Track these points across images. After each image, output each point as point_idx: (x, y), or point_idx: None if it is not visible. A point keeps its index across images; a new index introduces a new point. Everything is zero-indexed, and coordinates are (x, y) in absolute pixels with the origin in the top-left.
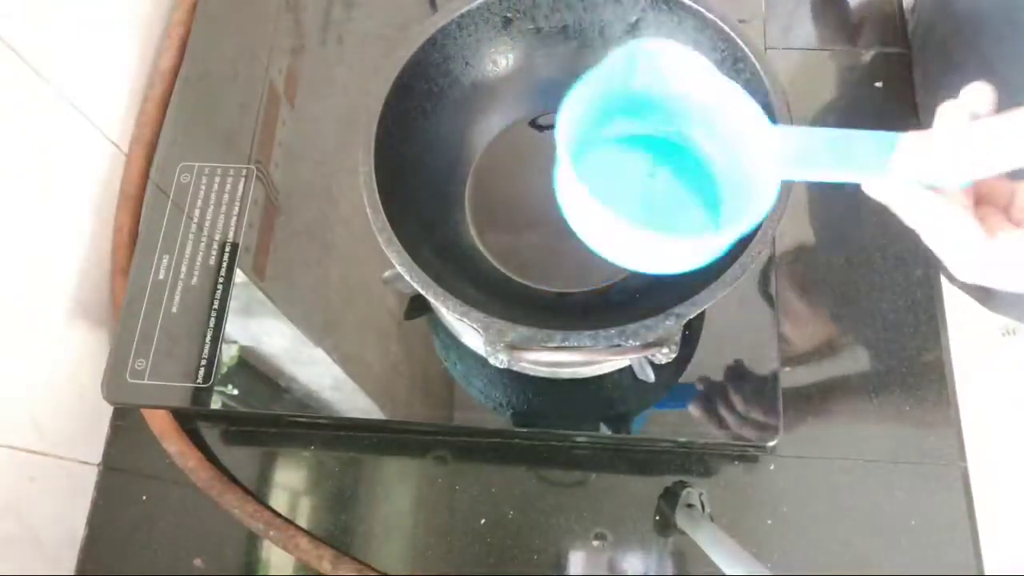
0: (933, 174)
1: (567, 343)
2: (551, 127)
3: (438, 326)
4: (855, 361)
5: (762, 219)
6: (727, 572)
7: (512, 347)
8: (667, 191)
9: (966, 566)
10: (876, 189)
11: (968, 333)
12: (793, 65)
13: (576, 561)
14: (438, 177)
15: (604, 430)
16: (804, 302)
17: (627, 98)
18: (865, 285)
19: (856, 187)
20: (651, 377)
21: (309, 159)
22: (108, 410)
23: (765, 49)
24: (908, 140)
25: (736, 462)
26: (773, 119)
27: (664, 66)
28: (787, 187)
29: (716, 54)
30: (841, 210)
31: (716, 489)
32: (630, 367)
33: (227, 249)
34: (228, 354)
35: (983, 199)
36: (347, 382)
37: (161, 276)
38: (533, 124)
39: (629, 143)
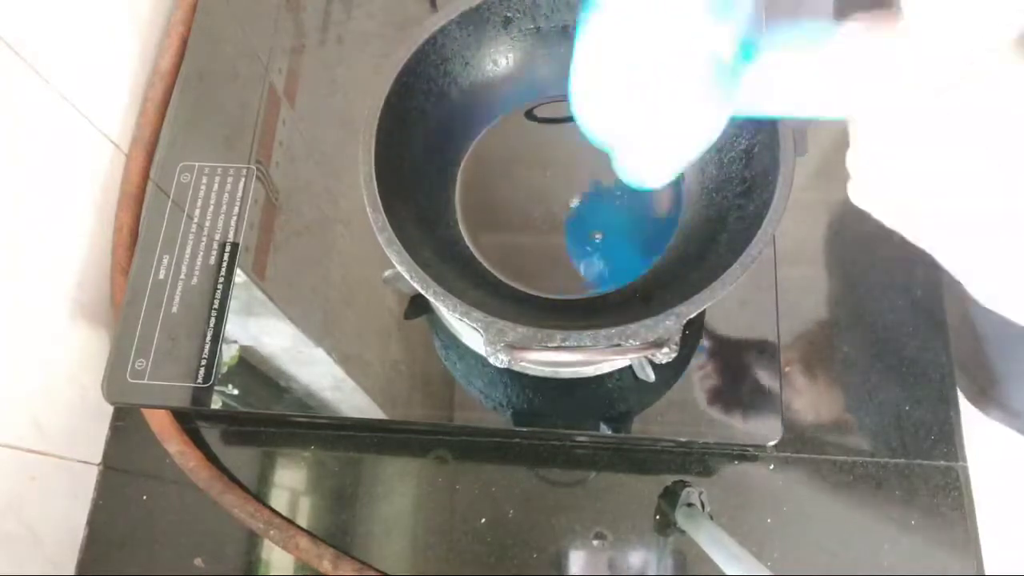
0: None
1: (567, 343)
2: (547, 121)
3: (438, 326)
4: (855, 361)
5: None
6: (727, 571)
7: (512, 347)
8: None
9: (966, 566)
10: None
11: None
12: None
13: (576, 560)
14: (438, 177)
15: (604, 430)
16: (804, 306)
17: None
18: (865, 285)
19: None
20: (651, 377)
21: (309, 159)
22: (108, 410)
23: None
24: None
25: (736, 462)
26: (773, 119)
27: None
28: (789, 185)
29: None
30: (841, 210)
31: (716, 488)
32: (630, 367)
33: (227, 249)
34: (228, 354)
35: None
36: (347, 382)
37: (161, 276)
38: (529, 115)
39: None
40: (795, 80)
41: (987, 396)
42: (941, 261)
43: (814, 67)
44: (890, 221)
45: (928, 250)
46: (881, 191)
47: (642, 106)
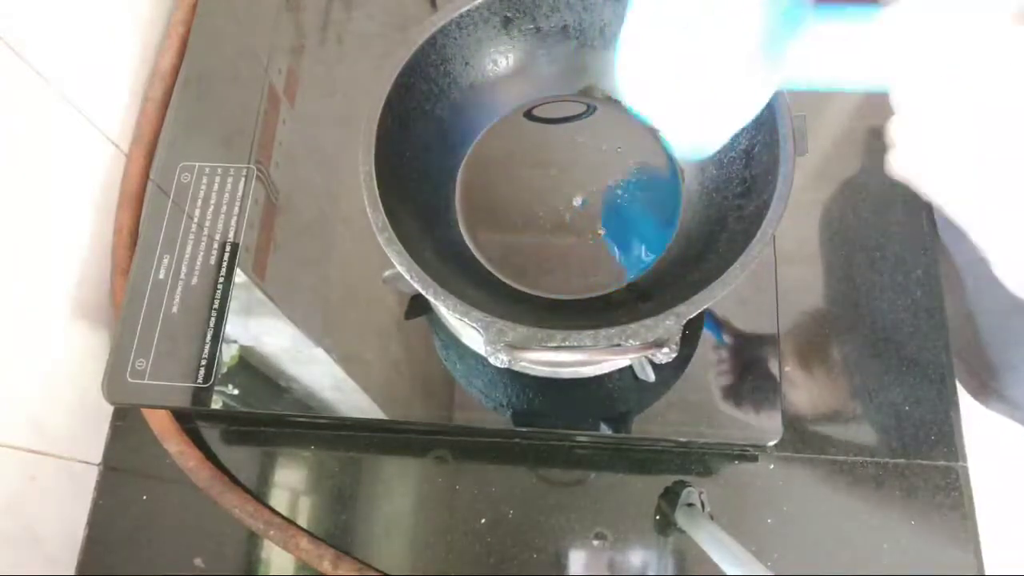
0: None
1: (567, 343)
2: (547, 121)
3: (438, 326)
4: (855, 361)
5: None
6: (727, 571)
7: (512, 347)
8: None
9: (966, 566)
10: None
11: None
12: None
13: (576, 560)
14: (438, 177)
15: (604, 430)
16: (804, 307)
17: None
18: (865, 285)
19: (857, 186)
20: (651, 377)
21: (309, 159)
22: (108, 410)
23: None
24: None
25: (736, 462)
26: (773, 119)
27: None
28: (789, 185)
29: None
30: (841, 210)
31: (716, 488)
32: (630, 367)
33: (227, 249)
34: (228, 354)
35: None
36: (347, 382)
37: (161, 276)
38: (529, 115)
39: None
40: (840, 53)
41: (988, 388)
42: (976, 240)
43: (858, 41)
44: (929, 193)
45: (964, 227)
46: (923, 162)
47: (689, 77)
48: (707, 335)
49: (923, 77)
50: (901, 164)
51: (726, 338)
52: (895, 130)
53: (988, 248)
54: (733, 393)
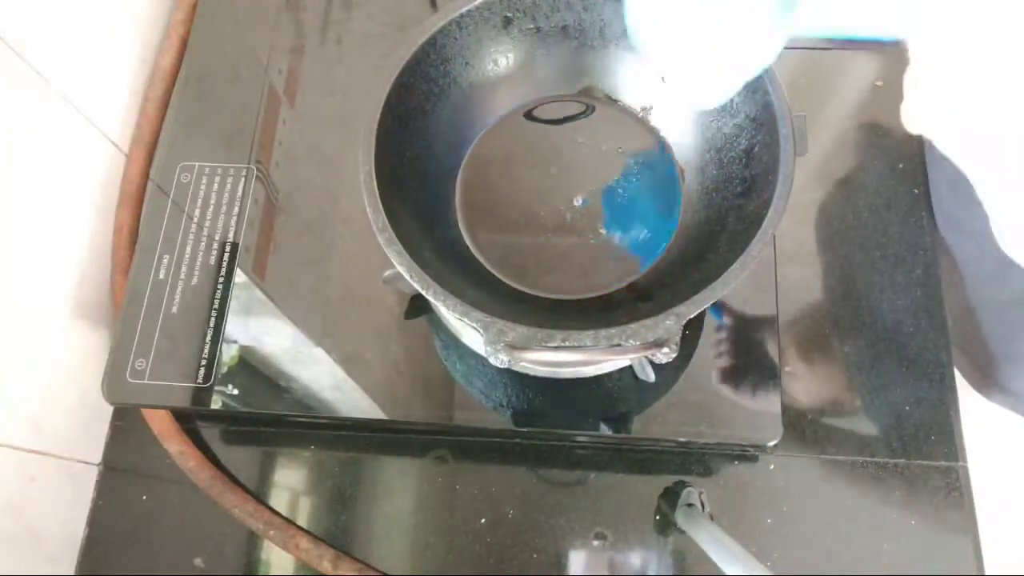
0: None
1: (567, 343)
2: (547, 121)
3: (438, 326)
4: (855, 361)
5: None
6: (727, 571)
7: (512, 347)
8: None
9: (966, 566)
10: None
11: None
12: (793, 65)
13: (576, 560)
14: (438, 177)
15: (604, 430)
16: (805, 307)
17: None
18: (865, 285)
19: (856, 185)
20: (651, 377)
21: (309, 159)
22: (108, 410)
23: None
24: None
25: (736, 462)
26: (773, 119)
27: None
28: (789, 185)
29: None
30: (841, 210)
31: (716, 489)
32: (630, 367)
33: (227, 249)
34: (228, 354)
35: None
36: (347, 382)
37: (161, 276)
38: (528, 116)
39: None
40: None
41: (989, 380)
42: (981, 195)
43: None
44: (940, 143)
45: (973, 181)
46: (935, 113)
47: (701, 24)
48: (707, 336)
49: (937, 29)
50: (914, 115)
51: (726, 338)
52: (909, 81)
53: (990, 204)
54: (733, 393)
